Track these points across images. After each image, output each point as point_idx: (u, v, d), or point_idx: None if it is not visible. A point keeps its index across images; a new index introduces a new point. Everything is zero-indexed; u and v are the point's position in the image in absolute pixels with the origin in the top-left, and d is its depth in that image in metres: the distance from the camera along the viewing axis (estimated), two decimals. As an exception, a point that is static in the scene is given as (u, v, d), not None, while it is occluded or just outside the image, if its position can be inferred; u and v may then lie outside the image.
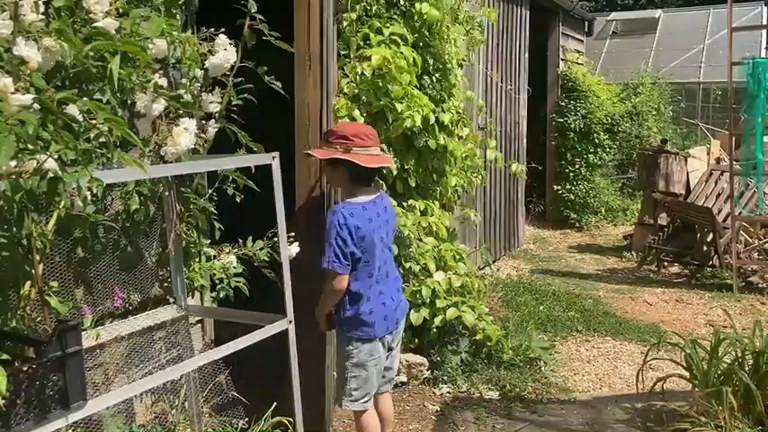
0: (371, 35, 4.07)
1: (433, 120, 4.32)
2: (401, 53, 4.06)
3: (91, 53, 1.64)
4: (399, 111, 4.03)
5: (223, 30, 2.30)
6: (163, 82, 2.14)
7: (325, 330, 3.23)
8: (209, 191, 2.70)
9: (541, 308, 6.03)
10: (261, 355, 2.83)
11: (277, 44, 2.37)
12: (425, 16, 4.30)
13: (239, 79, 2.38)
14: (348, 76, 4.01)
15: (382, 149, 3.09)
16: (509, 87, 8.02)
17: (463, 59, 5.21)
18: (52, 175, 1.49)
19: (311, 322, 3.18)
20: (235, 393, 2.99)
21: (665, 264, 7.71)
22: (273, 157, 2.52)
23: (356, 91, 3.97)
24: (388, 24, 4.13)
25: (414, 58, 4.16)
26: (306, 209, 3.39)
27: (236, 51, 2.28)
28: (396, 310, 3.11)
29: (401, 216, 4.25)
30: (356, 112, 3.91)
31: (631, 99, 10.98)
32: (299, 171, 3.31)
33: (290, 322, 2.62)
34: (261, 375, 3.53)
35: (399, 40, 4.15)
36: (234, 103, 2.39)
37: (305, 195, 3.34)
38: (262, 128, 3.43)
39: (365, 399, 3.08)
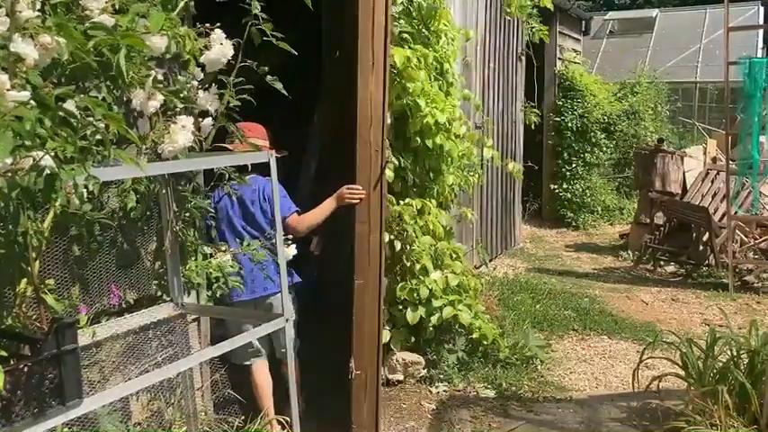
0: None
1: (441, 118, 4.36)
2: (414, 50, 4.10)
3: (92, 48, 1.64)
4: (422, 108, 4.09)
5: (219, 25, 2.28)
6: (160, 78, 2.13)
7: None
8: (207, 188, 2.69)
9: (538, 307, 6.04)
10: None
11: (280, 45, 2.36)
12: (424, 14, 4.32)
13: (239, 79, 2.37)
14: None
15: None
16: (504, 77, 8.02)
17: (464, 59, 5.22)
18: (49, 172, 1.49)
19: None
20: (231, 391, 2.99)
21: (662, 263, 7.73)
22: (270, 155, 2.52)
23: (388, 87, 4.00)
24: (396, 23, 4.16)
25: (430, 55, 4.19)
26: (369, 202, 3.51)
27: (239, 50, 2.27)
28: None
29: (400, 213, 4.25)
30: None
31: (628, 98, 11.00)
32: (361, 166, 3.38)
33: (287, 321, 2.62)
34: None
35: (410, 38, 4.19)
36: (232, 104, 2.37)
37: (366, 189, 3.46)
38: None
39: None
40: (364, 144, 3.36)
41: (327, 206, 3.43)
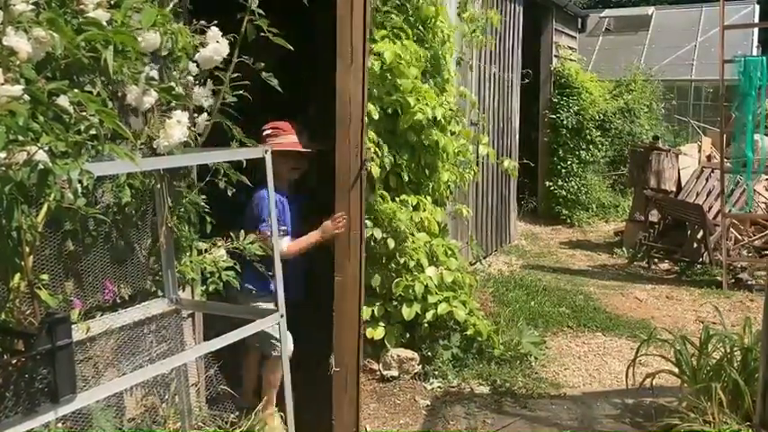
0: (374, 29, 4.08)
1: (431, 114, 4.35)
2: (405, 47, 4.11)
3: (83, 43, 1.63)
4: (412, 105, 4.10)
5: (216, 23, 2.27)
6: (154, 74, 2.12)
7: None
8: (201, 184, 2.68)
9: (532, 303, 6.04)
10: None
11: (276, 41, 2.35)
12: (420, 10, 4.30)
13: (236, 74, 2.36)
14: None
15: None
16: (501, 75, 8.02)
17: (461, 57, 5.22)
18: (42, 167, 1.48)
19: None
20: (225, 387, 2.98)
21: (656, 260, 7.75)
22: (266, 151, 2.51)
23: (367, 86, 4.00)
24: (388, 18, 4.15)
25: (420, 53, 4.20)
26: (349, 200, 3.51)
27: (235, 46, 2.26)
28: None
29: (394, 211, 4.25)
30: (371, 107, 3.93)
31: (624, 96, 11.01)
32: (340, 164, 3.40)
33: (282, 317, 2.62)
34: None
35: (402, 34, 4.18)
36: (228, 99, 2.36)
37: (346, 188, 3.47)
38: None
39: None
40: (343, 142, 3.39)
41: (313, 238, 3.47)
